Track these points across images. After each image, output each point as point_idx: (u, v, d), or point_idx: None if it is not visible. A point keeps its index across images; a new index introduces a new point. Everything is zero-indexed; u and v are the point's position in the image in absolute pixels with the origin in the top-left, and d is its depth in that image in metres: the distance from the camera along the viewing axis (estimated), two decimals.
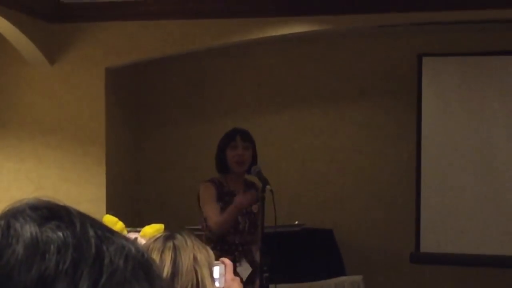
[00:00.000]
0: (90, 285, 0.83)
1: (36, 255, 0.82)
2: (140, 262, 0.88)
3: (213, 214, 5.15)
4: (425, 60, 7.31)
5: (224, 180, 5.29)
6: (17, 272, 0.82)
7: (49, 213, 0.86)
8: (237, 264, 5.11)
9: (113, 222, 3.20)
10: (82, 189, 7.00)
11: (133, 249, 0.88)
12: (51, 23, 6.93)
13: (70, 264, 0.82)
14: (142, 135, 8.14)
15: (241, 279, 5.07)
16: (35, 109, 7.09)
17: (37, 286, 0.82)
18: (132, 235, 2.79)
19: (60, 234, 0.84)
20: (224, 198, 5.23)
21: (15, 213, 0.86)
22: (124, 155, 7.75)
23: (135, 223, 6.27)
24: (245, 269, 5.16)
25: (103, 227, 0.88)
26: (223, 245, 5.15)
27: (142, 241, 2.65)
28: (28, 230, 0.84)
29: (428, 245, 7.24)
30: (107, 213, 6.68)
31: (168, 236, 2.51)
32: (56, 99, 7.06)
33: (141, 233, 2.75)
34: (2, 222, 0.86)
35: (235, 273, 5.02)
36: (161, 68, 8.03)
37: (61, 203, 0.89)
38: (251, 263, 5.22)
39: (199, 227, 5.31)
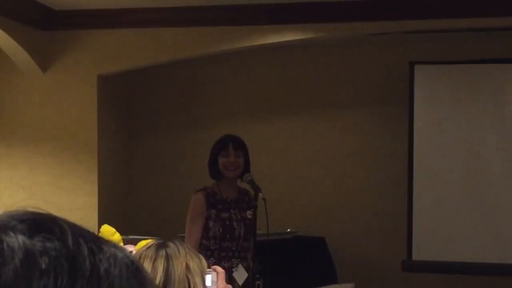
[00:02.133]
0: None
1: (35, 271, 0.80)
2: (132, 270, 0.87)
3: (188, 240, 5.13)
4: (417, 68, 7.32)
5: (217, 188, 5.27)
6: None
7: (38, 225, 0.84)
8: (234, 270, 5.11)
9: (111, 233, 3.19)
10: (74, 197, 6.98)
11: (125, 258, 0.87)
12: (43, 30, 6.93)
13: (68, 280, 0.81)
14: (134, 142, 8.13)
15: (238, 284, 5.08)
16: (27, 117, 7.07)
17: None
18: (127, 248, 2.79)
19: (53, 247, 0.82)
20: (216, 206, 5.22)
21: (3, 228, 0.83)
22: (116, 162, 7.74)
23: (127, 231, 6.27)
24: (241, 275, 5.15)
25: (92, 236, 0.86)
26: (220, 252, 5.15)
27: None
28: (22, 245, 0.82)
29: (420, 253, 7.24)
30: (99, 220, 6.69)
31: (161, 244, 2.51)
32: (48, 107, 7.04)
33: (136, 246, 2.74)
34: None
35: (232, 278, 5.04)
36: (154, 75, 8.03)
37: (46, 213, 0.87)
38: (247, 269, 5.22)
39: None
